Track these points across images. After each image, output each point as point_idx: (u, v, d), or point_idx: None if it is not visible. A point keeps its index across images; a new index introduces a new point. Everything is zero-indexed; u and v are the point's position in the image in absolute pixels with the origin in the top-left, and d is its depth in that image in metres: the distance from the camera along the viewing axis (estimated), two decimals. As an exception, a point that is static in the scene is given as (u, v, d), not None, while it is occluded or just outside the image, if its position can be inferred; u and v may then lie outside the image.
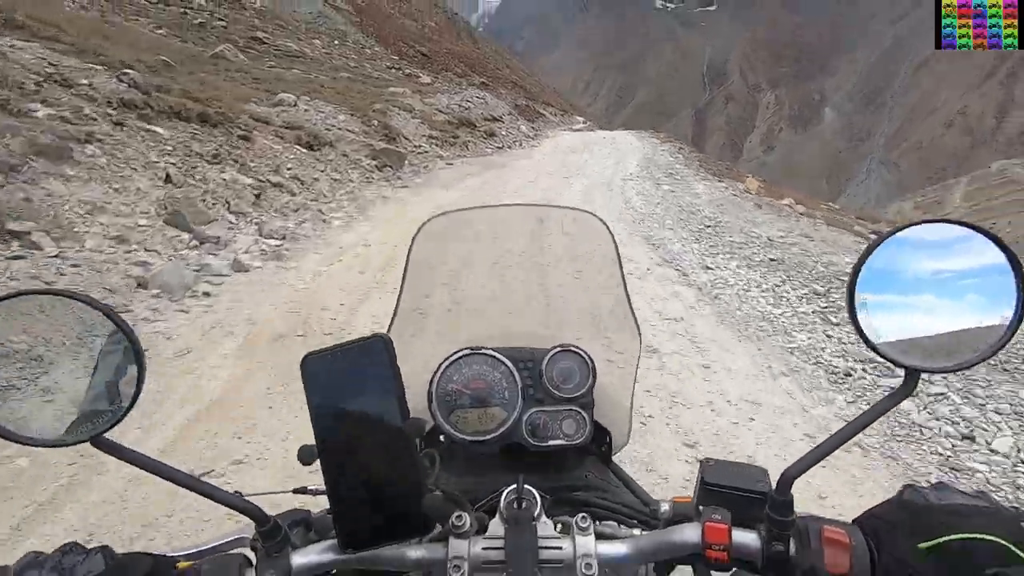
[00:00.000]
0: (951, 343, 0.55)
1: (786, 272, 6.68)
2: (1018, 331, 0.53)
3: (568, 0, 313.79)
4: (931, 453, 3.36)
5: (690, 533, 0.61)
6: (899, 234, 0.54)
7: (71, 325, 0.58)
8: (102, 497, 2.65)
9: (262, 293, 5.09)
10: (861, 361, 4.40)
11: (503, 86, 45.31)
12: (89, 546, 0.57)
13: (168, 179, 6.54)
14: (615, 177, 15.58)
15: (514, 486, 0.63)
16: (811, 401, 3.90)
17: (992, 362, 4.09)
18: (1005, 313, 0.52)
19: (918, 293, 0.56)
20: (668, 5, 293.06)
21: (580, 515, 0.63)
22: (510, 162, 17.53)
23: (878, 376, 4.16)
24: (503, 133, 24.27)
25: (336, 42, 37.50)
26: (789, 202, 14.40)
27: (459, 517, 0.60)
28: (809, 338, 4.86)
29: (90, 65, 8.11)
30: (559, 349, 0.90)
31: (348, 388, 0.59)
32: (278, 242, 6.46)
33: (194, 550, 0.66)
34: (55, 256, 4.65)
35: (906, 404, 3.66)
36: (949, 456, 3.32)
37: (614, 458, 0.95)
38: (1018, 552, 0.48)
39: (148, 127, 7.27)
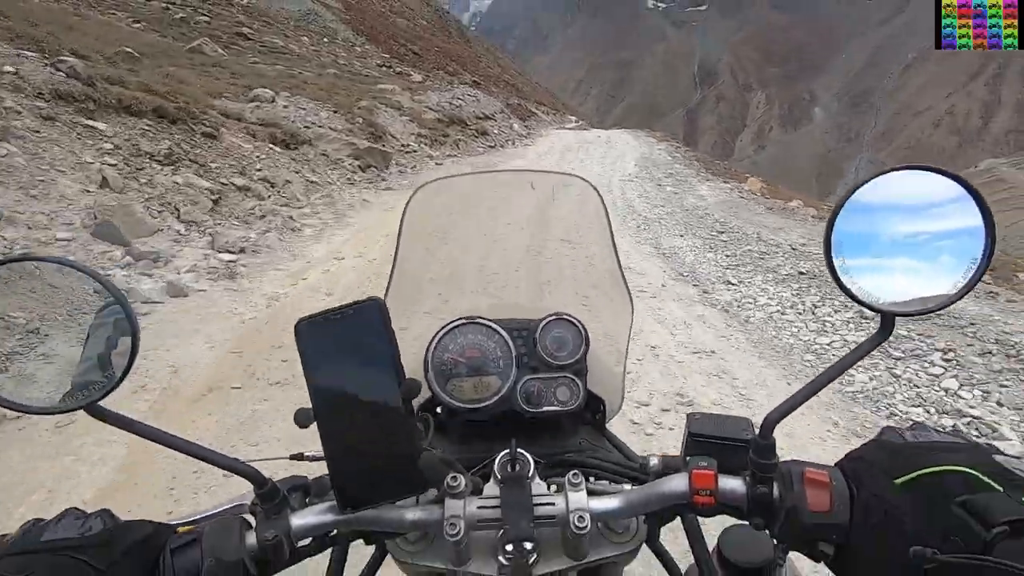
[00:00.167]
0: (923, 286, 0.55)
1: (820, 289, 5.76)
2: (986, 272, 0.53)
3: (559, 0, 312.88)
4: None
5: (678, 482, 0.62)
6: (875, 180, 0.54)
7: (67, 293, 0.58)
8: None
9: (199, 326, 4.10)
10: (947, 413, 3.49)
11: (495, 85, 44.56)
12: (88, 511, 0.56)
13: (104, 183, 5.55)
14: (614, 178, 14.70)
15: (507, 450, 0.64)
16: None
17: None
18: (974, 255, 0.53)
19: (892, 238, 0.55)
20: (659, 5, 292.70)
21: (572, 472, 0.64)
22: (503, 162, 16.59)
23: (976, 438, 3.25)
24: (495, 132, 23.30)
25: (325, 39, 36.49)
26: (798, 204, 13.54)
27: (454, 478, 0.61)
28: (872, 379, 3.94)
29: (20, 51, 7.07)
30: (552, 317, 0.89)
31: (343, 351, 0.58)
32: (233, 256, 5.49)
33: (194, 516, 0.65)
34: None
35: None
36: None
37: (608, 426, 0.94)
38: (986, 480, 0.49)
39: (87, 122, 6.27)
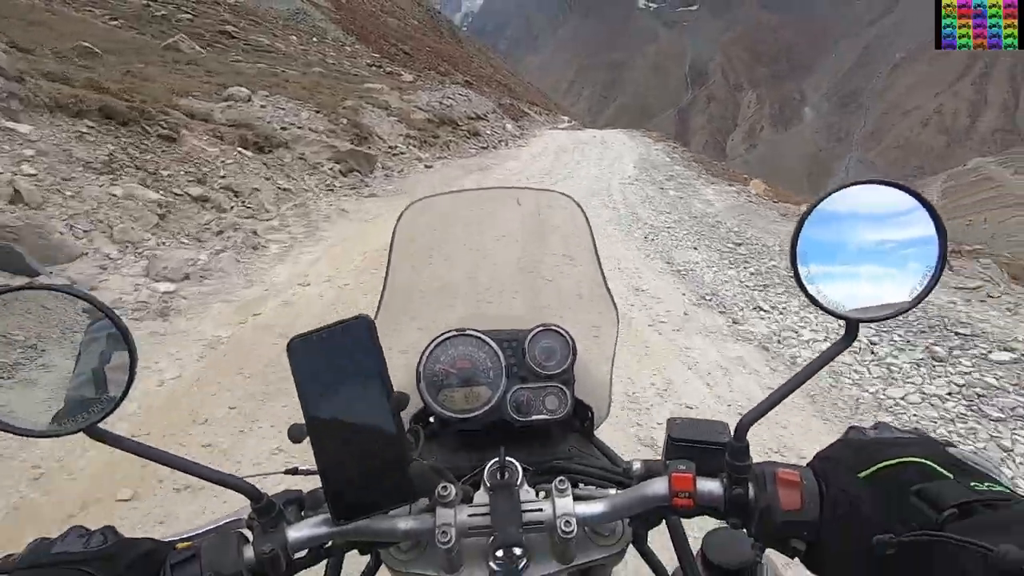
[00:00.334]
0: (884, 294, 0.57)
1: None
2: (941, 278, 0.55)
3: (551, 0, 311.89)
4: None
5: (658, 486, 0.63)
6: (836, 194, 0.57)
7: (62, 319, 0.58)
8: None
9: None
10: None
11: (487, 85, 43.82)
12: (92, 528, 0.57)
13: (16, 197, 4.57)
14: (613, 181, 13.79)
15: (496, 459, 0.65)
16: None
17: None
18: (929, 263, 0.55)
19: (855, 248, 0.58)
20: (651, 5, 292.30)
21: (558, 479, 0.65)
22: (496, 164, 15.65)
23: None
24: (488, 132, 22.35)
25: (315, 39, 35.50)
26: (809, 209, 12.71)
27: (444, 487, 0.62)
28: (967, 446, 3.04)
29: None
30: (540, 328, 0.91)
31: (333, 367, 0.58)
32: (172, 286, 4.53)
33: (192, 532, 0.65)
34: None
35: None
36: None
37: (596, 433, 0.96)
38: (940, 469, 0.52)
39: (5, 124, 5.28)
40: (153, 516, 2.28)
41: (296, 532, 0.61)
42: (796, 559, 0.59)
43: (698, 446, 0.66)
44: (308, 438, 0.58)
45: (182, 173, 6.74)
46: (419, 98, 21.30)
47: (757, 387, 3.73)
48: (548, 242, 1.17)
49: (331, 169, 10.47)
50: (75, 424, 0.56)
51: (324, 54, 30.90)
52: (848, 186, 0.57)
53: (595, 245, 1.02)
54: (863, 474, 0.55)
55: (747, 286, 5.95)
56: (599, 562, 0.68)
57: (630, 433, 3.18)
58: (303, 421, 0.58)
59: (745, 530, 0.62)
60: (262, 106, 12.09)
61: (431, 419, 0.88)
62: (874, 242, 0.58)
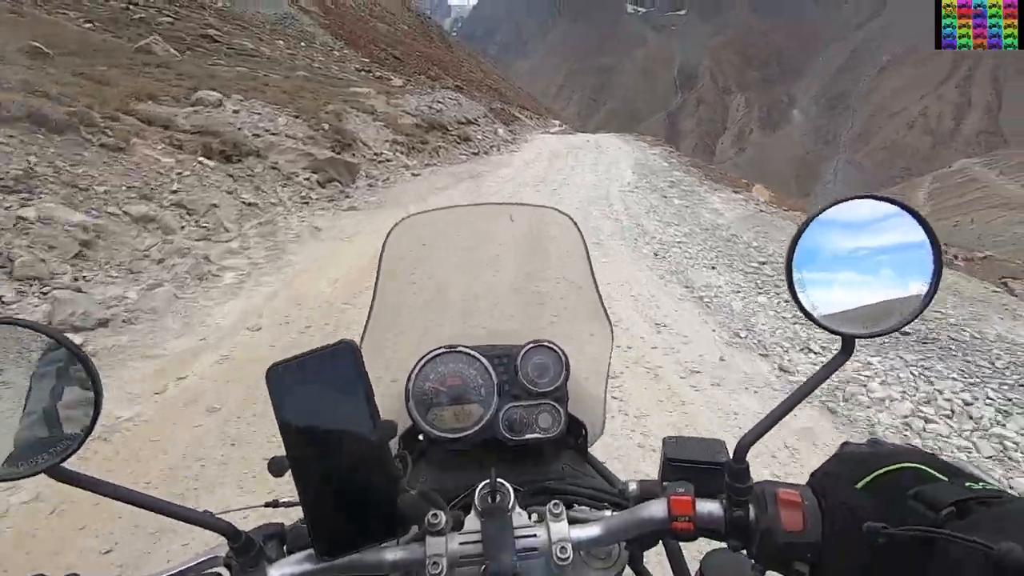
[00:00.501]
0: (880, 310, 0.57)
1: (951, 362, 3.95)
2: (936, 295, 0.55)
3: (540, 5, 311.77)
4: None
5: (656, 508, 0.61)
6: (830, 210, 0.56)
7: (21, 353, 0.53)
8: None
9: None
10: None
11: (478, 89, 43.10)
12: None
13: None
14: (612, 188, 12.89)
15: (487, 481, 0.63)
16: None
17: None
18: (925, 279, 0.55)
19: (849, 265, 0.57)
20: (639, 10, 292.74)
21: (552, 502, 0.63)
22: (488, 171, 14.71)
23: None
24: (479, 137, 21.40)
25: (303, 44, 34.61)
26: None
27: (434, 515, 0.59)
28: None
29: None
30: (533, 345, 0.88)
31: (316, 396, 0.56)
32: (79, 338, 3.53)
33: (167, 573, 0.60)
34: None
35: None
36: None
37: (590, 450, 0.93)
38: (934, 473, 0.52)
39: None
40: None
41: (278, 571, 0.58)
42: None
43: (695, 466, 0.64)
44: (290, 471, 0.55)
45: (123, 188, 5.74)
46: (407, 102, 20.31)
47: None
48: (542, 259, 1.11)
49: (307, 179, 9.49)
50: (34, 466, 0.51)
51: (312, 59, 30.00)
52: (842, 201, 0.56)
53: (590, 261, 0.98)
54: (860, 484, 0.54)
55: (784, 317, 5.03)
56: None
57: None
58: (284, 453, 0.55)
59: (745, 552, 0.59)
60: (235, 111, 11.09)
61: (420, 438, 0.85)
62: (869, 257, 0.57)
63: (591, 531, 0.62)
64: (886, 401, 3.54)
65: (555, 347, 0.89)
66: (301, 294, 4.82)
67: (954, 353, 4.24)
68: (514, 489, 0.64)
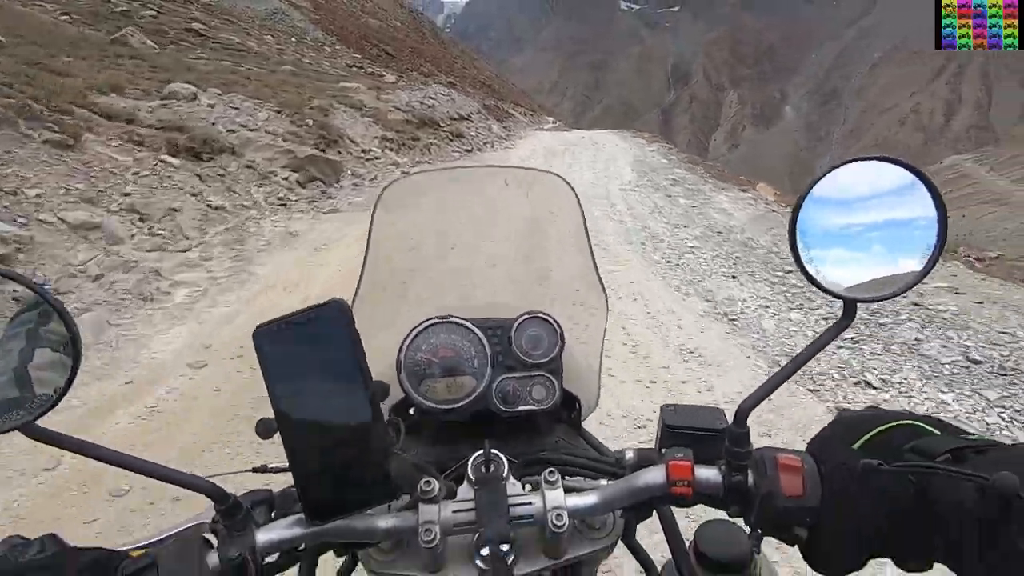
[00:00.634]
0: (883, 273, 0.56)
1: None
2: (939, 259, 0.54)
3: (533, 1, 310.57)
4: None
5: (655, 474, 0.60)
6: (836, 171, 0.55)
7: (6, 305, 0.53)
8: None
9: None
10: None
11: (471, 86, 42.37)
12: (32, 537, 0.52)
13: None
14: (611, 187, 12.18)
15: (481, 451, 0.62)
16: None
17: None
18: (929, 242, 0.54)
19: (853, 228, 0.56)
20: (632, 6, 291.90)
21: (548, 471, 0.62)
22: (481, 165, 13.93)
23: None
24: (472, 134, 20.65)
25: (293, 39, 33.74)
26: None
27: (427, 483, 0.59)
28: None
29: None
30: (527, 316, 0.85)
31: (305, 356, 0.53)
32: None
33: (149, 540, 0.59)
34: None
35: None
36: None
37: (584, 424, 0.91)
38: (928, 427, 0.53)
39: None
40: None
41: (266, 534, 0.57)
42: (789, 556, 0.57)
43: (694, 433, 0.64)
44: (278, 434, 0.54)
45: (62, 191, 4.97)
46: (398, 98, 19.51)
47: None
48: (537, 225, 1.06)
49: (286, 179, 8.73)
50: (9, 422, 0.49)
51: (301, 54, 29.18)
52: (848, 163, 0.55)
53: (586, 229, 0.95)
54: (857, 444, 0.54)
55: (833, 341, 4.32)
56: (589, 556, 0.65)
57: None
58: (272, 415, 0.54)
59: (743, 519, 0.59)
60: (210, 105, 10.30)
61: (411, 411, 0.83)
62: (873, 220, 0.56)
63: (587, 499, 0.60)
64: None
65: (550, 318, 0.85)
66: (263, 316, 4.06)
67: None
68: (508, 460, 0.63)
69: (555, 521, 0.57)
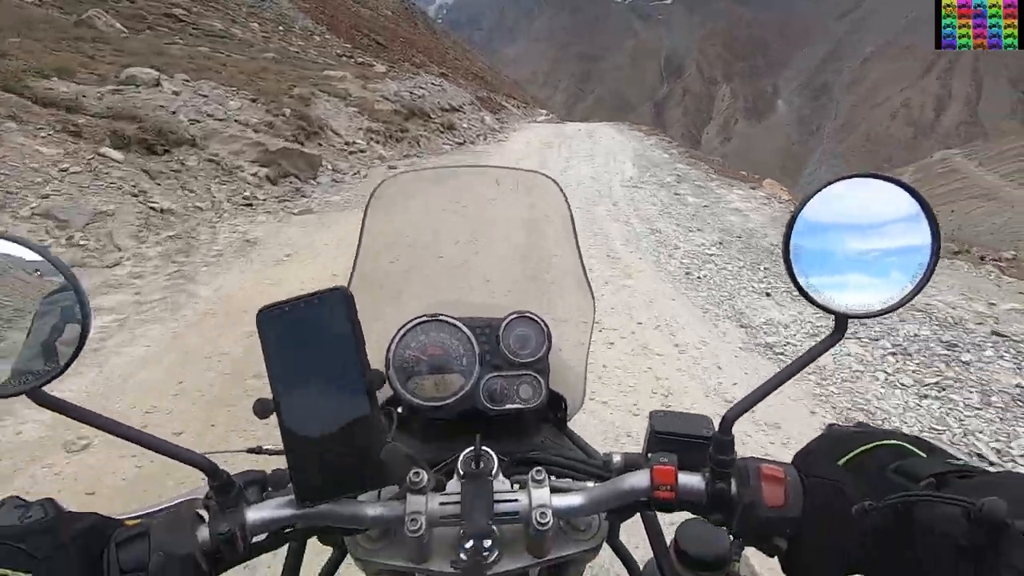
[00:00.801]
0: (875, 289, 0.56)
1: None
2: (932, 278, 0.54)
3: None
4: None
5: (640, 478, 0.60)
6: (829, 188, 0.55)
7: (13, 272, 0.52)
8: None
9: None
10: None
11: (463, 77, 41.34)
12: (31, 500, 0.52)
13: None
14: (613, 183, 11.28)
15: (472, 447, 0.62)
16: None
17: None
18: (921, 261, 0.54)
19: (847, 243, 0.56)
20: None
21: (535, 469, 0.62)
22: (474, 162, 12.97)
23: None
24: (464, 126, 19.63)
25: (281, 28, 32.50)
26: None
27: (416, 474, 0.59)
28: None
29: None
30: (515, 315, 0.86)
31: (306, 340, 0.54)
32: None
33: (143, 511, 0.60)
34: None
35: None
36: None
37: (569, 424, 0.92)
38: (913, 449, 0.53)
39: None
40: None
41: (256, 513, 0.57)
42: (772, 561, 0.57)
43: (681, 439, 0.64)
44: (274, 415, 0.54)
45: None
46: (386, 87, 18.46)
47: None
48: (526, 226, 1.07)
49: (254, 175, 7.74)
50: (14, 387, 0.50)
51: (289, 43, 28.02)
52: (841, 179, 0.55)
53: (575, 230, 0.96)
54: (842, 461, 0.54)
55: (902, 385, 3.44)
56: (574, 557, 0.65)
57: None
58: (270, 396, 0.54)
59: (725, 527, 0.59)
60: (174, 92, 9.28)
61: (399, 408, 0.82)
62: (866, 236, 0.56)
63: (573, 500, 0.60)
64: None
65: (537, 318, 0.85)
66: (189, 359, 3.13)
67: None
68: (498, 457, 0.63)
69: (539, 519, 0.57)
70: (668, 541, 0.79)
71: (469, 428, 0.70)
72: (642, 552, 0.77)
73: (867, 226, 0.56)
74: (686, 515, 0.63)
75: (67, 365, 0.51)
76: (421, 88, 20.34)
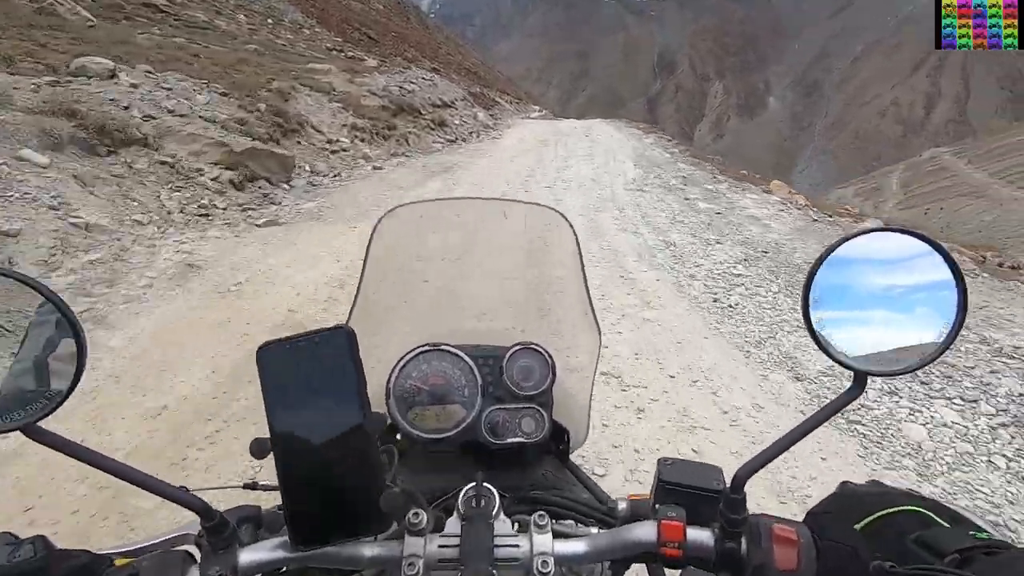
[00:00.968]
0: (898, 348, 0.54)
1: None
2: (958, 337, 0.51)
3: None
4: None
5: (646, 531, 0.58)
6: (852, 241, 0.53)
7: (10, 307, 0.51)
8: None
9: None
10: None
11: (456, 72, 40.41)
12: (23, 536, 0.52)
13: None
14: (616, 186, 10.41)
15: (473, 484, 0.61)
16: None
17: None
18: (947, 319, 0.52)
19: (868, 299, 0.54)
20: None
21: (538, 513, 0.60)
22: (466, 162, 12.05)
23: None
24: (456, 122, 18.66)
25: (269, 20, 31.31)
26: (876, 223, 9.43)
27: (416, 514, 0.57)
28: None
29: None
30: (519, 347, 0.84)
31: (306, 380, 0.53)
32: None
33: (135, 547, 0.59)
34: None
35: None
36: None
37: (572, 457, 0.89)
38: (935, 518, 0.50)
39: None
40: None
41: (249, 555, 0.55)
42: None
43: (690, 491, 0.60)
44: (272, 454, 0.53)
45: None
46: (375, 81, 17.41)
47: None
48: (533, 258, 1.05)
49: (215, 179, 6.76)
50: (11, 422, 0.49)
51: (277, 36, 26.87)
52: (863, 233, 0.53)
53: (582, 264, 0.93)
54: (859, 525, 0.52)
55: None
56: None
57: None
58: (267, 435, 0.53)
59: None
60: (132, 85, 8.26)
61: (398, 437, 0.80)
62: (889, 291, 0.54)
63: (576, 547, 0.58)
64: None
65: (542, 350, 0.83)
66: (50, 469, 2.17)
67: None
68: (499, 495, 0.61)
69: (540, 568, 0.55)
70: None
71: (470, 460, 0.71)
72: None
73: (889, 280, 0.54)
74: None
75: (62, 400, 0.49)
76: (411, 83, 19.32)
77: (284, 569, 0.58)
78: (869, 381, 0.55)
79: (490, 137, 17.90)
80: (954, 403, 3.19)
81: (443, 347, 0.80)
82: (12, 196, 4.27)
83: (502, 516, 0.60)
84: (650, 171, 12.35)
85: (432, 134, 16.10)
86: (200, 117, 8.21)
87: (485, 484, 0.60)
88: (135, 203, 5.34)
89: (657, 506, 0.60)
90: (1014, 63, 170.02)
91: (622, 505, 0.67)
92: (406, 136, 14.47)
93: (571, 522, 0.68)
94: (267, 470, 0.53)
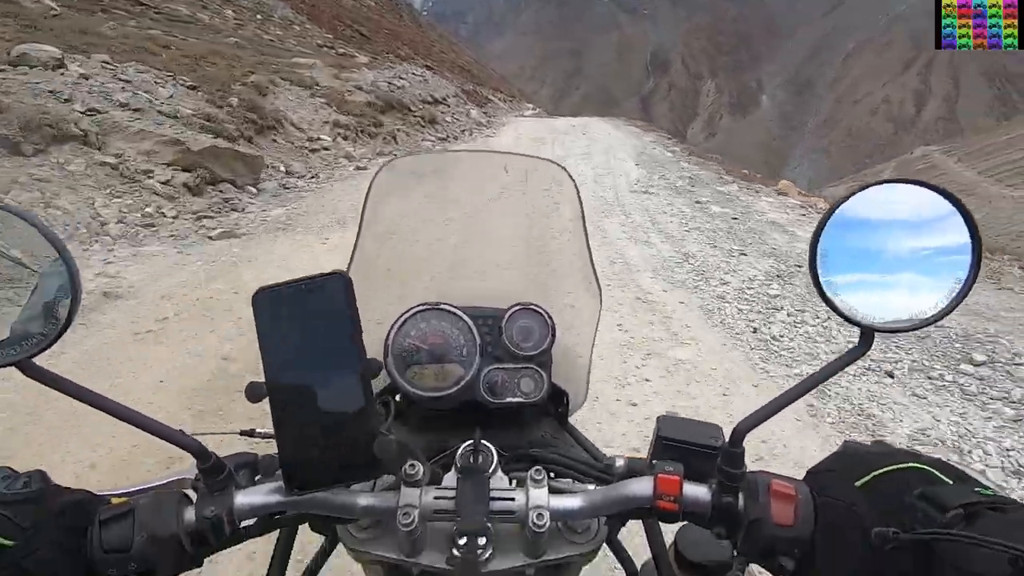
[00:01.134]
0: (906, 302, 0.52)
1: None
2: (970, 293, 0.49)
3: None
4: None
5: (642, 485, 0.57)
6: (862, 193, 0.50)
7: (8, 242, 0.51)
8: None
9: None
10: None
11: (449, 70, 39.59)
12: (22, 471, 0.51)
13: None
14: (620, 187, 9.62)
15: (471, 440, 0.60)
16: None
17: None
18: (959, 275, 0.49)
19: (877, 252, 0.52)
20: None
21: (534, 468, 0.59)
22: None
23: None
24: (448, 120, 17.75)
25: (259, 16, 30.25)
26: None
27: (412, 466, 0.57)
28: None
29: None
30: (519, 307, 0.80)
31: (303, 325, 0.52)
32: None
33: (132, 489, 0.59)
34: None
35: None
36: None
37: (571, 419, 0.86)
38: (939, 475, 0.48)
39: None
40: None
41: (245, 498, 0.55)
42: None
43: (688, 448, 0.60)
44: (267, 399, 0.52)
45: None
46: (362, 77, 16.51)
47: None
48: (534, 215, 1.00)
49: (167, 182, 5.84)
50: (7, 357, 0.48)
51: (265, 31, 25.83)
52: (876, 184, 0.51)
53: (584, 220, 0.88)
54: (859, 483, 0.50)
55: None
56: (570, 559, 0.63)
57: None
58: (263, 379, 0.52)
59: (729, 542, 0.56)
60: (83, 76, 7.33)
61: (397, 397, 0.77)
62: (900, 247, 0.52)
63: (571, 502, 0.58)
64: None
65: (541, 311, 0.79)
66: None
67: None
68: (497, 452, 0.61)
69: (536, 520, 0.55)
70: (668, 542, 0.74)
71: (468, 420, 0.68)
72: (639, 546, 0.73)
73: (900, 236, 0.52)
74: None
75: (57, 336, 0.49)
76: (401, 79, 18.42)
77: (281, 517, 0.57)
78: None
79: (483, 135, 17.02)
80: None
81: (442, 306, 0.76)
82: None
83: (499, 472, 0.59)
84: (654, 171, 11.53)
85: (422, 132, 15.21)
86: (159, 112, 7.29)
87: (483, 441, 0.59)
88: (59, 212, 4.43)
89: (655, 462, 0.58)
90: (1002, 62, 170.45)
91: (619, 463, 0.65)
92: (394, 134, 13.57)
93: (568, 480, 0.67)
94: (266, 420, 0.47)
